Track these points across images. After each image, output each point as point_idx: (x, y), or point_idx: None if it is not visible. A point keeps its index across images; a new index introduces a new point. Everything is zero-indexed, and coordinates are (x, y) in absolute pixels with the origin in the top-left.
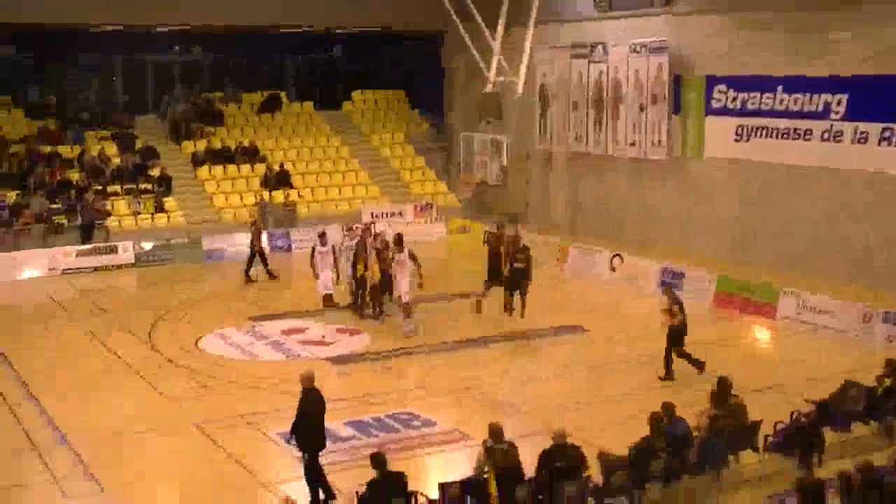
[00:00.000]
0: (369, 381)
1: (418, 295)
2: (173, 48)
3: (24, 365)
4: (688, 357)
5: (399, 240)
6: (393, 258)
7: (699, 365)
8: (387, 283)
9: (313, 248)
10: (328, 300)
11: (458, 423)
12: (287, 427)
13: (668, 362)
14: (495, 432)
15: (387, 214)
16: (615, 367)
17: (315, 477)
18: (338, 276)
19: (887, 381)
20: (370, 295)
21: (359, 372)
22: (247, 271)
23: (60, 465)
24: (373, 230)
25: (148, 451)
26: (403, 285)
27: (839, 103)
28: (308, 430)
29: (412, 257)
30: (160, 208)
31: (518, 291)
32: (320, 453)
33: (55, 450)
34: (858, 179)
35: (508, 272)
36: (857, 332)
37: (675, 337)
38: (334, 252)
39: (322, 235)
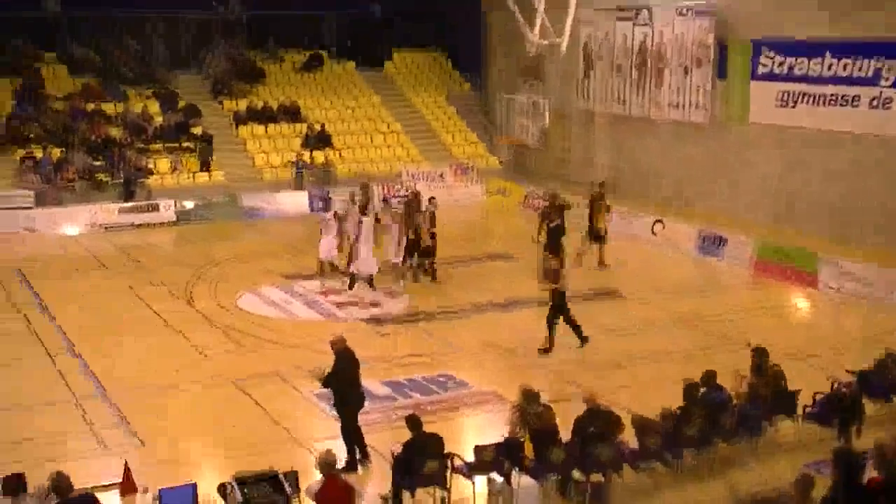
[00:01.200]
0: (406, 342)
1: (458, 256)
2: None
3: (66, 318)
4: (575, 325)
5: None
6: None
7: (583, 337)
8: (434, 246)
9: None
10: (322, 267)
11: (493, 385)
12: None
13: (551, 331)
14: (528, 395)
15: (426, 176)
16: (651, 331)
17: (352, 437)
18: (340, 242)
19: None
20: (419, 259)
21: (396, 333)
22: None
23: (99, 416)
24: (421, 196)
25: (186, 406)
26: (393, 248)
27: (889, 69)
28: (344, 391)
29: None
30: (202, 167)
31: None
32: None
33: (94, 401)
34: None
35: (547, 232)
36: None
37: (562, 302)
38: (338, 218)
39: (326, 201)
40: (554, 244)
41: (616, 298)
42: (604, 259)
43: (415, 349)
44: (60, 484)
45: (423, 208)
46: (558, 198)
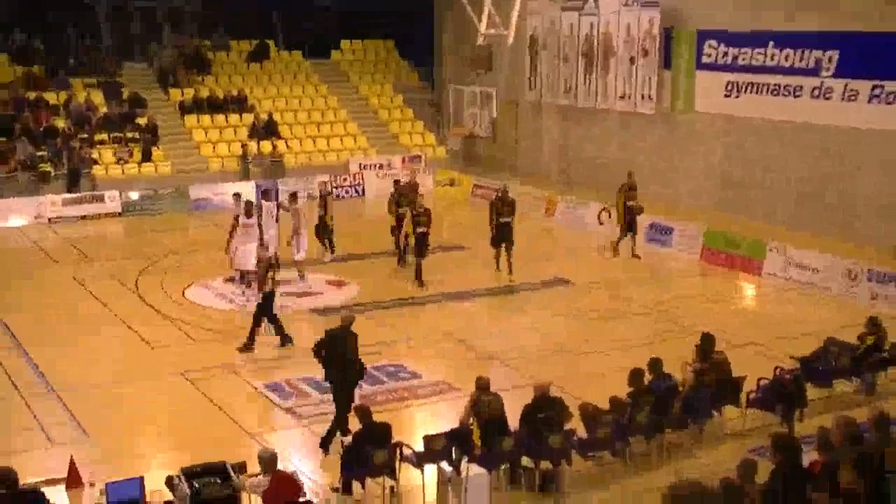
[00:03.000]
0: (356, 332)
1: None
2: None
3: (11, 312)
4: (279, 326)
5: (294, 196)
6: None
7: (286, 338)
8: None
9: (236, 218)
10: (245, 276)
11: (444, 375)
12: (273, 378)
13: (253, 330)
14: (482, 386)
15: (374, 166)
16: (600, 320)
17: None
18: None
19: (869, 339)
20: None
21: None
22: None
23: (46, 411)
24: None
25: (134, 398)
26: (303, 242)
27: (830, 60)
28: (338, 367)
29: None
30: (147, 157)
31: (505, 247)
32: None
33: (40, 396)
34: (847, 137)
35: (495, 227)
36: (841, 290)
37: (269, 303)
38: (260, 223)
39: (248, 205)
40: (500, 238)
41: (565, 286)
42: (635, 250)
43: (365, 339)
44: (5, 479)
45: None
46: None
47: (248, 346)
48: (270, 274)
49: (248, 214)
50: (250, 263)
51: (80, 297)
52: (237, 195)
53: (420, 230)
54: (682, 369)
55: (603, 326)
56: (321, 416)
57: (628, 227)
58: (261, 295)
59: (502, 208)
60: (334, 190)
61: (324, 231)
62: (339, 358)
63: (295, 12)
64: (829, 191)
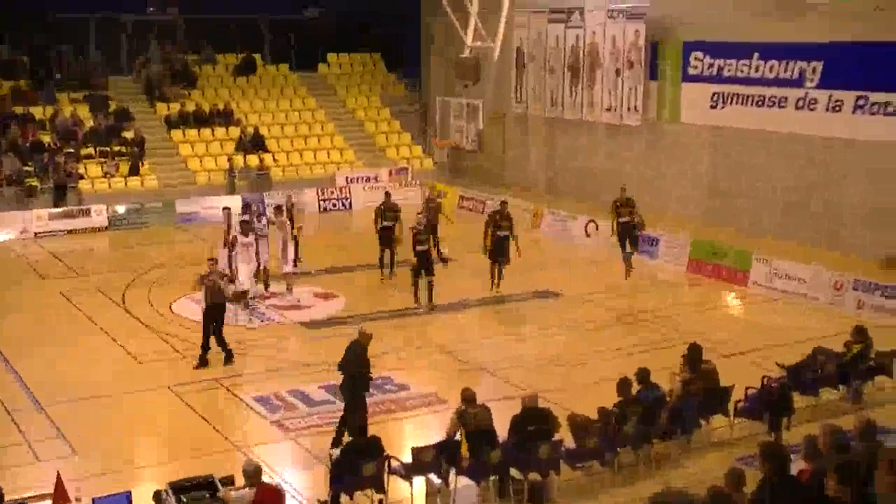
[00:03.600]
0: (344, 345)
1: (397, 258)
2: (149, 7)
3: None
4: (223, 342)
5: (279, 209)
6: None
7: (230, 354)
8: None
9: (234, 238)
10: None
11: (432, 386)
12: (261, 391)
13: (205, 344)
14: (468, 398)
15: (361, 179)
16: (588, 330)
17: (343, 424)
18: (259, 265)
19: (856, 348)
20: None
21: (334, 336)
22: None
23: (33, 427)
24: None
25: (121, 413)
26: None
27: (814, 71)
28: (350, 382)
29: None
30: (134, 171)
31: (501, 261)
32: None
33: (27, 412)
34: (832, 146)
35: (492, 241)
36: (828, 299)
37: (213, 316)
38: (257, 240)
39: (246, 224)
40: (498, 252)
41: (554, 298)
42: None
43: None
44: None
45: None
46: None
47: (203, 360)
48: (221, 286)
49: (245, 234)
50: (247, 284)
51: (67, 311)
52: (227, 209)
53: (420, 248)
54: (671, 379)
55: (592, 337)
56: (309, 430)
57: (623, 242)
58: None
59: (500, 222)
60: (321, 203)
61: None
62: (355, 368)
63: (282, 25)
64: (814, 200)
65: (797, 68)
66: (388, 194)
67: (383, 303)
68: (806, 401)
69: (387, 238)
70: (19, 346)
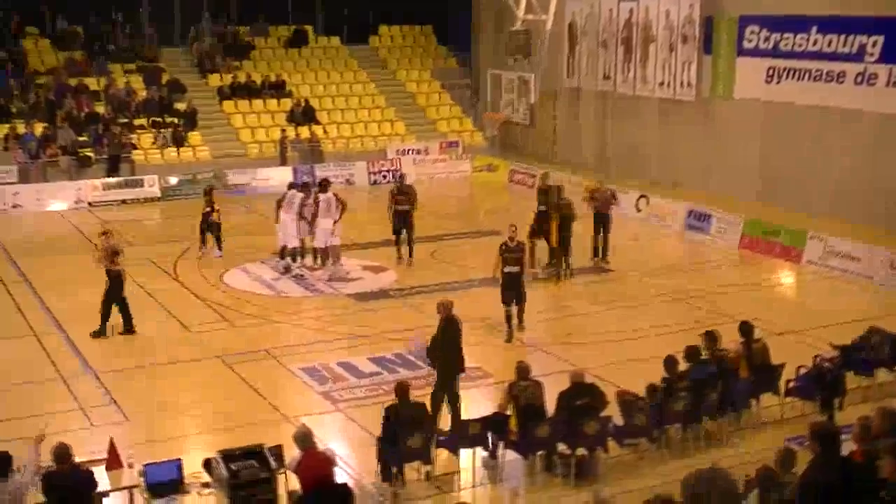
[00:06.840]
0: (393, 318)
1: (446, 231)
2: None
3: (51, 296)
4: (127, 314)
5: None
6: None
7: (131, 326)
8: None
9: (316, 196)
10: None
11: (480, 361)
12: (310, 363)
13: (105, 315)
14: (522, 370)
15: (412, 151)
16: (639, 307)
17: (439, 401)
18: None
19: None
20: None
21: (382, 309)
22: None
23: (85, 394)
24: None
25: (172, 382)
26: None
27: (874, 45)
28: (445, 356)
29: (339, 201)
30: (179, 142)
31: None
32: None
33: (80, 379)
34: (890, 123)
35: (536, 215)
36: (883, 278)
37: (117, 287)
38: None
39: (324, 182)
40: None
41: (606, 274)
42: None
43: (402, 324)
44: (61, 453)
45: None
46: (548, 179)
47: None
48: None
49: (324, 190)
50: (321, 241)
51: None
52: (293, 184)
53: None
54: (734, 352)
55: (642, 313)
56: (356, 401)
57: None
58: (110, 278)
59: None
60: (371, 175)
61: (210, 228)
62: (450, 345)
63: None
64: (871, 178)
65: (857, 42)
66: (402, 176)
67: (431, 276)
68: (859, 381)
69: (402, 220)
70: (73, 314)
